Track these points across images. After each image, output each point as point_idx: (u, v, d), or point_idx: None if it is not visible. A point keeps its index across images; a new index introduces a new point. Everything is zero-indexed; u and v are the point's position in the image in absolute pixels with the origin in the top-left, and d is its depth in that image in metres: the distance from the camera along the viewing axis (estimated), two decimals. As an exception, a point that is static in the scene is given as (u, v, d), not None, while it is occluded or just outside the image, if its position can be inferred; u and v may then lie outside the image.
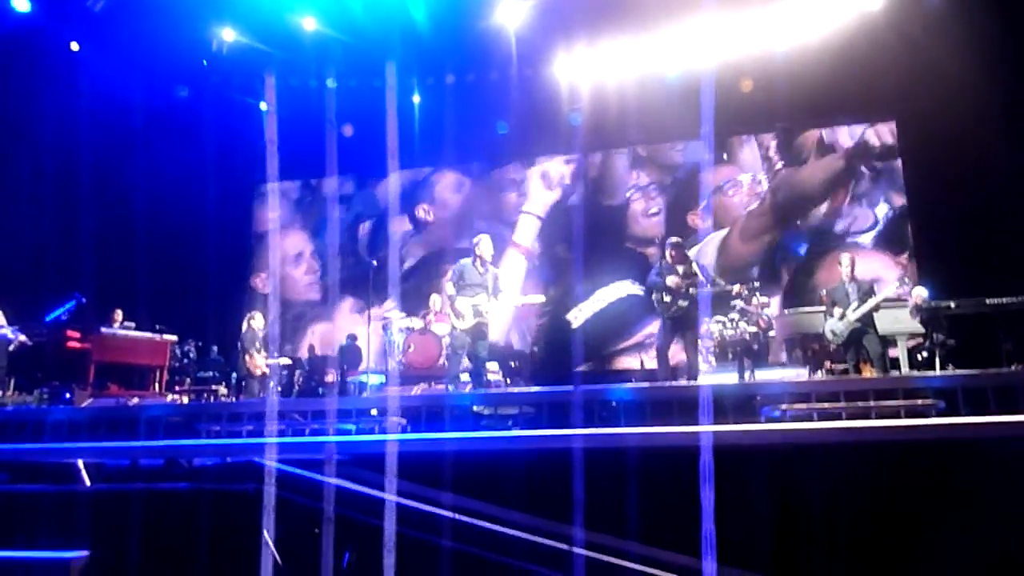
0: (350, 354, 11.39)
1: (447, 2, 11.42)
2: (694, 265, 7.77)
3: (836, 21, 11.24)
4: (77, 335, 9.69)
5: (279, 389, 10.38)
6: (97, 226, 11.03)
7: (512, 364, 11.37)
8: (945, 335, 8.33)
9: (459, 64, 13.07)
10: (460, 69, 13.14)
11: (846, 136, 12.71)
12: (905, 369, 8.51)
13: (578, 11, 11.59)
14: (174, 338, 10.47)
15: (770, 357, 10.10)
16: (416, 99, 13.52)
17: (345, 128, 12.66)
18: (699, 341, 8.36)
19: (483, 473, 5.30)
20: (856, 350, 7.92)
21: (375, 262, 10.33)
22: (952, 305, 8.29)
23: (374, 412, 7.01)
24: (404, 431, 6.39)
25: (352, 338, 11.61)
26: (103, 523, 5.49)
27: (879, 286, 8.71)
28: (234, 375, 10.28)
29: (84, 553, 5.45)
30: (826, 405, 5.84)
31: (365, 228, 14.60)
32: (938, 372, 7.87)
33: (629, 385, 7.54)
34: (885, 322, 8.32)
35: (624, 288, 12.52)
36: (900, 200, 12.19)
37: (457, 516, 5.07)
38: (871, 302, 7.77)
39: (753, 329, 9.39)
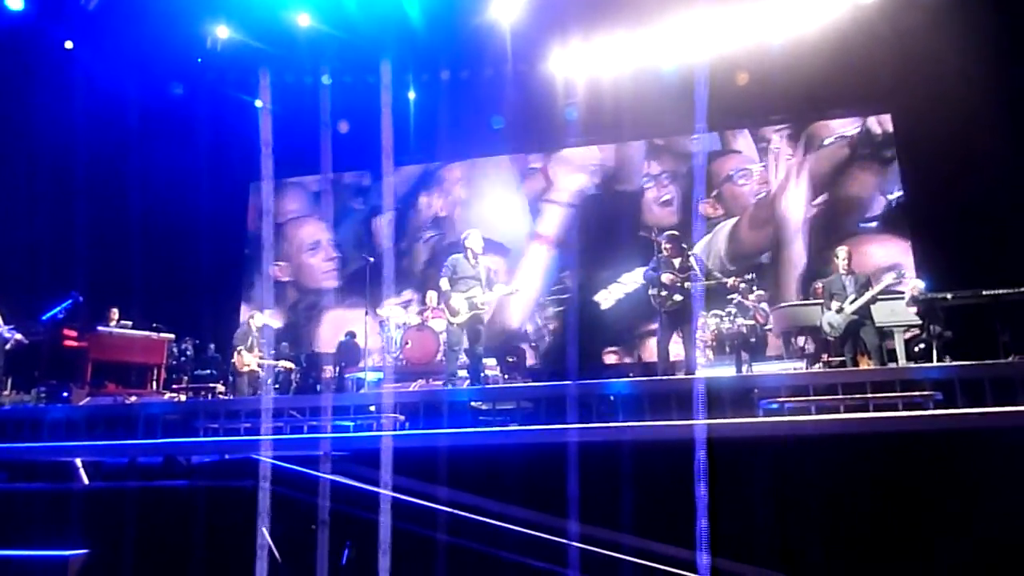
0: (348, 351, 11.37)
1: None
2: (691, 259, 7.77)
3: (831, 14, 11.24)
4: (74, 334, 9.68)
5: (276, 386, 10.40)
6: (93, 224, 11.01)
7: (509, 360, 11.38)
8: (942, 327, 8.33)
9: (454, 60, 13.04)
10: (455, 65, 13.12)
11: (849, 127, 12.77)
12: (902, 361, 8.51)
13: (572, 6, 11.59)
14: (171, 336, 10.47)
15: (768, 350, 10.12)
16: (411, 95, 13.52)
17: (341, 125, 12.65)
18: (696, 335, 8.37)
19: (480, 468, 5.30)
20: (853, 342, 7.92)
21: (371, 259, 10.30)
22: (949, 297, 8.29)
23: (372, 408, 7.01)
24: (402, 427, 6.39)
25: (351, 335, 11.59)
26: (101, 521, 5.49)
27: (882, 274, 8.71)
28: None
29: (82, 551, 5.45)
30: (824, 397, 5.85)
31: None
32: (935, 364, 7.86)
33: (626, 379, 7.53)
34: (882, 314, 8.32)
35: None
36: (899, 191, 12.24)
37: (454, 511, 5.08)
38: (868, 294, 7.78)
39: (750, 323, 9.41)
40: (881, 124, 12.59)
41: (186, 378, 10.87)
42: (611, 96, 12.40)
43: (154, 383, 10.04)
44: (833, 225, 12.50)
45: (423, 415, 6.45)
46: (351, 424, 6.61)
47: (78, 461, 5.90)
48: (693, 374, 7.37)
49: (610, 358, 12.87)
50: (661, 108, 11.79)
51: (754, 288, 9.77)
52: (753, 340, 9.35)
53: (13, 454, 6.26)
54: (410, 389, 8.68)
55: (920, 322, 8.62)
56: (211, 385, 10.43)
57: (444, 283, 7.83)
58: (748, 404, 5.98)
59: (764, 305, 10.00)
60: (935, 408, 5.51)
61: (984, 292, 8.10)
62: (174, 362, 10.90)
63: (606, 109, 12.47)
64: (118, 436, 6.62)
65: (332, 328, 13.62)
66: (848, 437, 5.07)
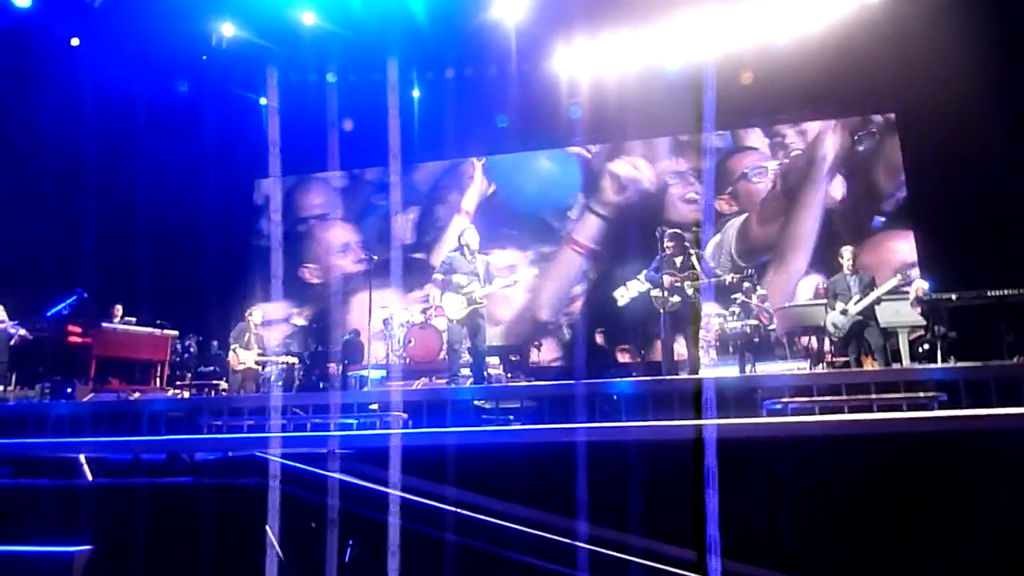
0: (352, 349, 11.38)
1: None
2: (692, 258, 7.76)
3: (836, 13, 11.22)
4: (78, 330, 9.70)
5: (280, 384, 10.40)
6: (98, 221, 11.03)
7: (512, 358, 11.38)
8: (946, 327, 8.32)
9: (458, 58, 13.04)
10: (459, 63, 13.11)
11: (853, 127, 12.76)
12: (907, 362, 8.50)
13: (577, 5, 11.59)
14: (175, 333, 10.49)
15: (771, 351, 10.10)
16: (416, 93, 13.52)
17: (346, 123, 12.67)
18: (699, 335, 8.36)
19: (484, 467, 5.30)
20: (857, 343, 7.91)
21: (375, 257, 10.30)
22: (953, 297, 8.27)
23: (374, 407, 7.02)
24: (405, 425, 6.39)
25: (355, 333, 11.61)
26: (105, 517, 5.49)
27: (887, 275, 8.69)
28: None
29: (87, 547, 5.46)
30: (828, 398, 5.84)
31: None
32: (940, 365, 7.85)
33: (629, 379, 7.54)
34: (886, 315, 8.31)
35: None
36: (903, 191, 12.22)
37: (458, 510, 5.07)
38: (873, 295, 7.76)
39: (754, 323, 9.40)
40: (886, 123, 12.57)
41: (190, 375, 10.89)
42: (615, 95, 12.39)
43: (158, 380, 10.06)
44: (838, 225, 12.47)
45: (426, 413, 6.45)
46: (354, 422, 6.62)
47: (82, 457, 5.91)
48: (695, 374, 7.37)
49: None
50: (666, 107, 11.78)
51: (757, 288, 9.76)
52: (757, 340, 9.34)
53: (18, 450, 6.27)
54: (413, 387, 8.69)
55: (924, 323, 8.61)
56: (214, 382, 10.45)
57: (439, 279, 7.88)
58: (751, 404, 5.98)
59: (768, 305, 9.99)
60: (939, 409, 5.50)
61: (989, 293, 8.07)
62: (178, 359, 10.93)
63: (610, 108, 12.46)
64: (122, 433, 6.64)
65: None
66: (852, 438, 5.06)
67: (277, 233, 14.63)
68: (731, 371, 8.83)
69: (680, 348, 8.21)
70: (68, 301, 9.73)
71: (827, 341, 9.22)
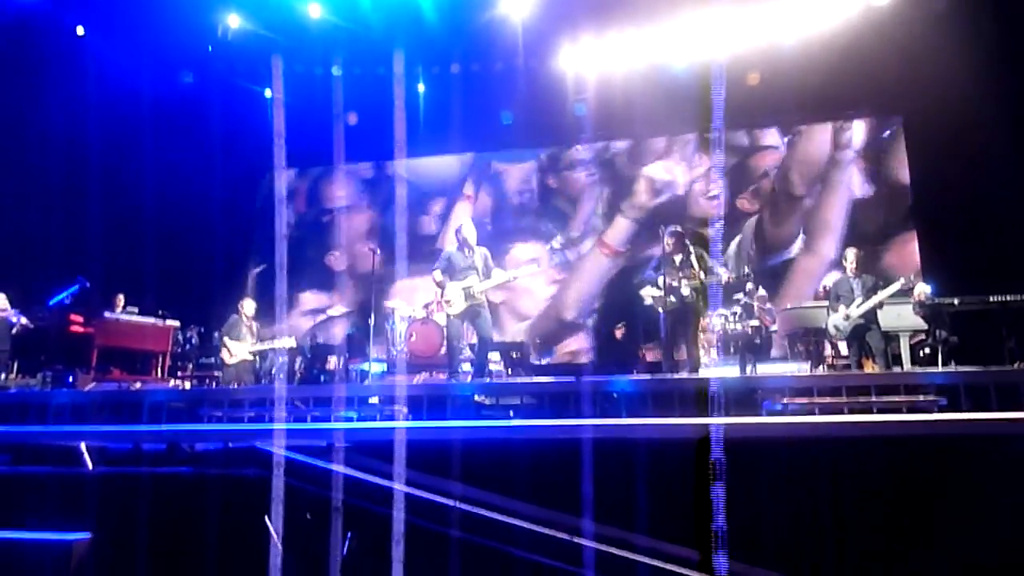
0: (353, 343, 11.40)
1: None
2: (692, 257, 7.75)
3: (842, 15, 11.19)
4: (80, 319, 9.73)
5: (281, 376, 10.38)
6: (101, 211, 11.01)
7: (513, 355, 11.39)
8: (948, 332, 8.32)
9: (464, 53, 13.03)
10: (465, 58, 13.10)
11: (858, 129, 12.77)
12: (908, 365, 8.49)
13: (583, 2, 11.57)
14: (176, 324, 10.50)
15: (772, 351, 10.11)
16: (421, 87, 13.51)
17: (350, 116, 12.66)
18: (699, 336, 8.37)
19: (485, 462, 5.31)
20: (859, 345, 7.92)
21: (378, 250, 10.29)
22: (956, 302, 8.26)
23: (374, 400, 7.03)
24: (405, 420, 6.40)
25: (356, 327, 11.61)
26: (105, 505, 5.52)
27: (890, 279, 8.70)
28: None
29: (86, 535, 5.48)
30: (828, 400, 5.84)
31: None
32: (940, 369, 7.85)
33: (630, 377, 7.54)
34: (888, 318, 8.30)
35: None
36: (908, 194, 12.21)
37: (459, 504, 5.09)
38: (875, 298, 7.76)
39: (755, 323, 9.40)
40: (891, 126, 12.54)
41: (191, 366, 10.90)
42: (622, 93, 12.37)
43: (159, 370, 10.08)
44: (843, 226, 12.47)
45: (426, 408, 6.46)
46: (354, 415, 6.63)
47: (83, 445, 5.93)
48: (696, 374, 7.38)
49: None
50: (673, 106, 11.77)
51: (758, 288, 9.76)
52: (758, 341, 9.34)
53: (19, 437, 6.29)
54: (414, 382, 8.70)
55: (926, 327, 8.60)
56: (215, 373, 10.44)
57: (437, 275, 7.85)
58: (751, 404, 5.99)
59: (770, 306, 9.99)
60: (939, 413, 5.50)
61: (991, 298, 8.06)
62: (179, 350, 10.93)
63: (617, 105, 12.45)
64: (123, 422, 6.65)
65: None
66: (851, 440, 5.06)
67: (281, 225, 14.62)
68: (732, 371, 8.84)
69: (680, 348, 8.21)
70: (70, 290, 9.75)
71: (827, 343, 9.24)
